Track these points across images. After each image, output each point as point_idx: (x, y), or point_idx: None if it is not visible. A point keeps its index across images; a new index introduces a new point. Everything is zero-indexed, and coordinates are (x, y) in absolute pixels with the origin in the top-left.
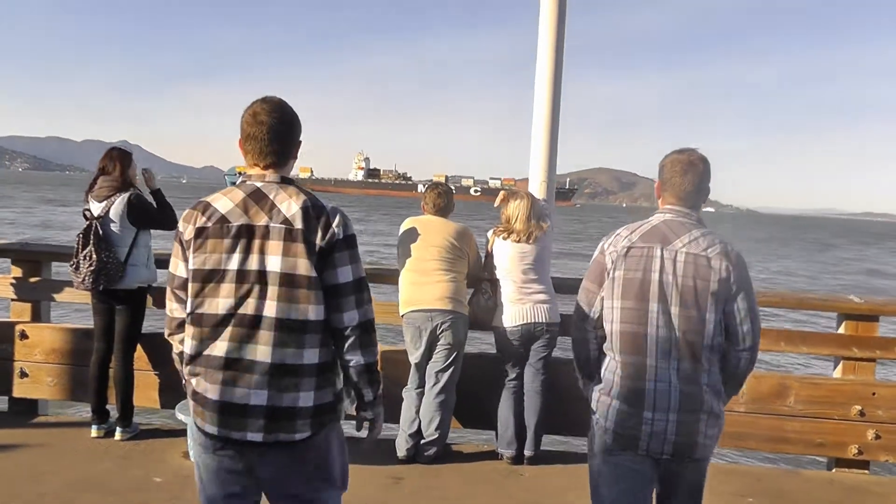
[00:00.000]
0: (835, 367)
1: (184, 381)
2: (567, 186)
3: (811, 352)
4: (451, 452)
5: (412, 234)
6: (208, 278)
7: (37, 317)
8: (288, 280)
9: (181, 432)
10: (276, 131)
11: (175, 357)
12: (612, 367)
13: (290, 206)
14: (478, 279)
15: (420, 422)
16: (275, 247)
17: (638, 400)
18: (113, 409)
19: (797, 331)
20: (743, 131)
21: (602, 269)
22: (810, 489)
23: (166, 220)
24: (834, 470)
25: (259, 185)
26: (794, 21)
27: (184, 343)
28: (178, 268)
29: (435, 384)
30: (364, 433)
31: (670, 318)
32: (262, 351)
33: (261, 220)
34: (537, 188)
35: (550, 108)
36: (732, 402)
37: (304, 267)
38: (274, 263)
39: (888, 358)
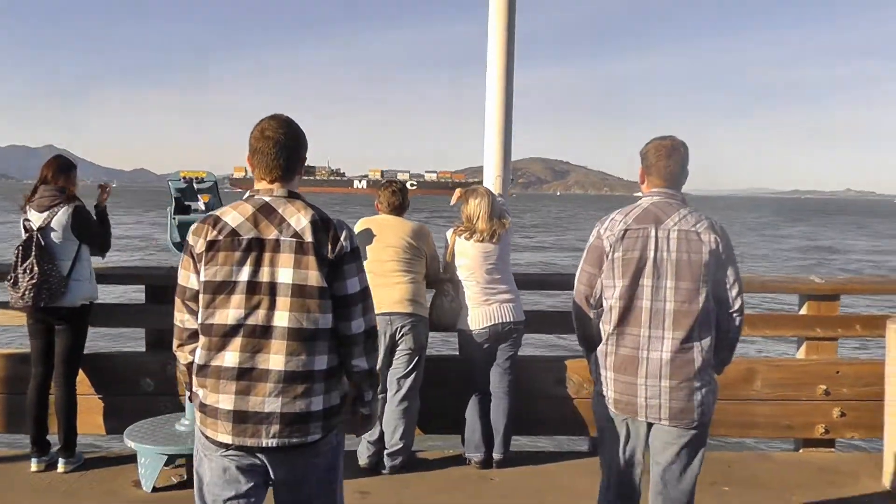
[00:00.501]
0: (798, 348)
1: (189, 394)
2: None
3: (775, 334)
4: (416, 461)
5: (367, 236)
6: (219, 290)
7: None
8: (299, 291)
9: (130, 459)
10: (282, 147)
11: (182, 369)
12: (610, 339)
13: (300, 220)
14: (438, 280)
15: (382, 430)
16: (286, 259)
17: (633, 369)
18: (54, 438)
19: (760, 314)
20: (671, 116)
21: (601, 252)
22: (781, 472)
23: (105, 241)
24: (801, 451)
25: (268, 199)
26: (717, 5)
27: (194, 353)
28: (189, 280)
29: (397, 391)
30: (360, 428)
31: (665, 291)
32: (274, 360)
33: (270, 233)
34: (492, 183)
35: (503, 103)
36: None
37: (314, 278)
38: (285, 275)
39: (850, 336)
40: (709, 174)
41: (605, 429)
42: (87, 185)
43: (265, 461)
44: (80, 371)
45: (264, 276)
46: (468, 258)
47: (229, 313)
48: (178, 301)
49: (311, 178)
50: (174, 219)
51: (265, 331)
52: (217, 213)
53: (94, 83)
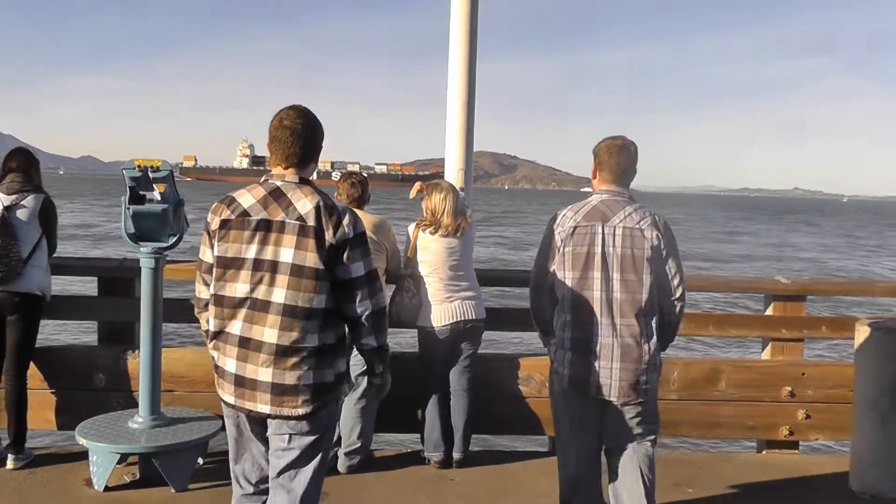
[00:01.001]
0: (763, 349)
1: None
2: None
3: (740, 334)
4: (374, 460)
5: None
6: (229, 265)
7: None
8: (297, 271)
9: (82, 456)
10: (299, 136)
11: (203, 333)
12: (563, 325)
13: (305, 204)
14: (399, 276)
15: (339, 429)
16: (288, 240)
17: (587, 351)
18: (3, 434)
19: (725, 314)
20: (621, 111)
21: (552, 246)
22: (745, 473)
23: (55, 241)
24: (764, 452)
25: (279, 183)
26: (669, 4)
27: (209, 321)
28: (205, 254)
29: (354, 389)
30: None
31: (612, 283)
32: (268, 333)
33: (278, 215)
34: (454, 177)
35: (466, 96)
36: (664, 391)
37: (312, 260)
38: (286, 255)
39: (816, 337)
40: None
41: (558, 403)
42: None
43: (262, 424)
44: (32, 365)
45: (268, 254)
46: (431, 254)
47: (237, 287)
48: (197, 273)
49: (263, 168)
50: (128, 209)
51: (265, 305)
52: (234, 194)
53: (41, 70)
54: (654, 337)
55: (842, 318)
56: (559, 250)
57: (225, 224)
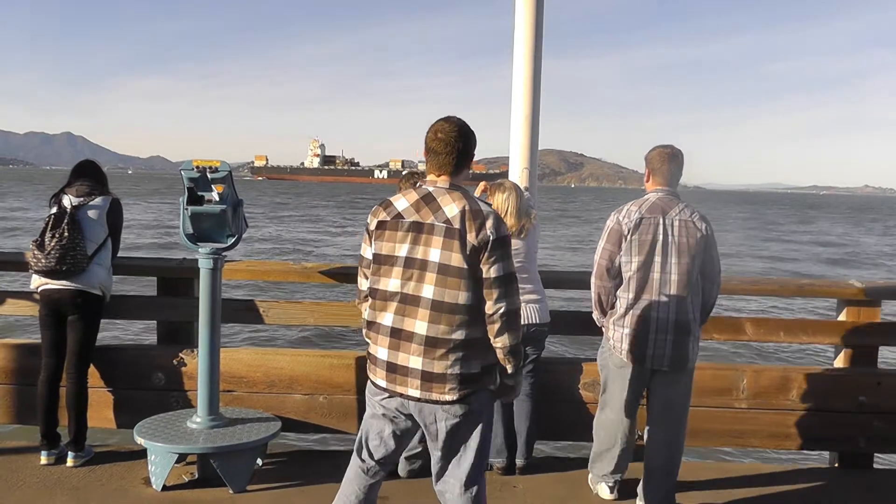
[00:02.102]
0: (836, 357)
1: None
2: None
3: (812, 341)
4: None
5: None
6: (384, 262)
7: None
8: (443, 269)
9: (140, 454)
10: (453, 147)
11: (363, 321)
12: (626, 304)
13: (452, 208)
14: None
15: None
16: (436, 241)
17: (645, 326)
18: (64, 431)
19: (796, 319)
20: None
21: (620, 234)
22: (817, 486)
23: (119, 243)
24: (837, 465)
25: (431, 189)
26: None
27: (365, 311)
28: (365, 251)
29: None
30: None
31: (669, 266)
32: (419, 325)
33: (428, 218)
34: (518, 176)
35: (531, 93)
36: (733, 399)
37: (456, 260)
38: (434, 255)
39: (891, 344)
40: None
41: (613, 374)
42: (106, 172)
43: (411, 409)
44: (92, 364)
45: (419, 253)
46: None
47: (390, 282)
48: (359, 268)
49: (333, 167)
50: (186, 209)
51: (415, 299)
52: (390, 198)
53: (111, 71)
54: (698, 314)
55: None
56: (626, 238)
57: (381, 225)
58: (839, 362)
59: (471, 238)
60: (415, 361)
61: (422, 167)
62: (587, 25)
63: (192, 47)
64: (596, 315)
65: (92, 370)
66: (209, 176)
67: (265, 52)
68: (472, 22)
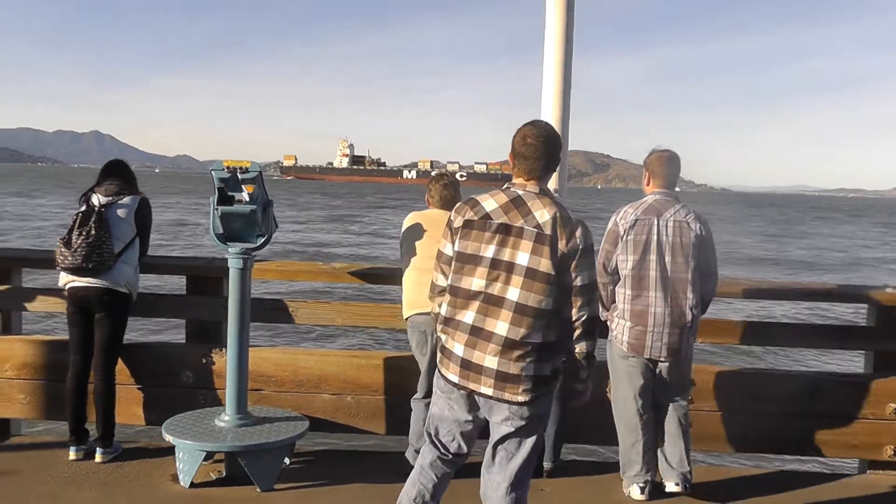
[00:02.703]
0: (866, 363)
1: (437, 334)
2: None
3: (841, 346)
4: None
5: (416, 231)
6: (469, 260)
7: (7, 328)
8: (531, 273)
9: (168, 451)
10: (542, 152)
11: (432, 316)
12: (625, 299)
13: (544, 214)
14: None
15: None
16: (526, 245)
17: (643, 320)
18: (92, 427)
19: (825, 324)
20: (708, 107)
21: (617, 235)
22: (847, 494)
23: (147, 245)
24: (868, 473)
25: (520, 192)
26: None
27: (441, 307)
28: (446, 247)
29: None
30: (576, 401)
31: (665, 264)
32: (500, 326)
33: (517, 221)
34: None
35: (561, 93)
36: (761, 403)
37: (545, 265)
38: (522, 258)
39: None
40: (748, 171)
41: (618, 365)
42: (134, 170)
43: (481, 405)
44: (120, 361)
45: (506, 255)
46: None
47: (473, 281)
48: (436, 262)
49: (362, 167)
50: (217, 209)
51: (499, 300)
52: (477, 197)
53: (139, 70)
54: (695, 308)
55: None
56: (622, 238)
57: (468, 224)
58: (869, 368)
59: (561, 245)
60: (490, 361)
61: (451, 168)
62: (613, 25)
63: (220, 46)
64: (601, 309)
65: (121, 367)
66: (239, 176)
67: (293, 51)
68: (500, 21)
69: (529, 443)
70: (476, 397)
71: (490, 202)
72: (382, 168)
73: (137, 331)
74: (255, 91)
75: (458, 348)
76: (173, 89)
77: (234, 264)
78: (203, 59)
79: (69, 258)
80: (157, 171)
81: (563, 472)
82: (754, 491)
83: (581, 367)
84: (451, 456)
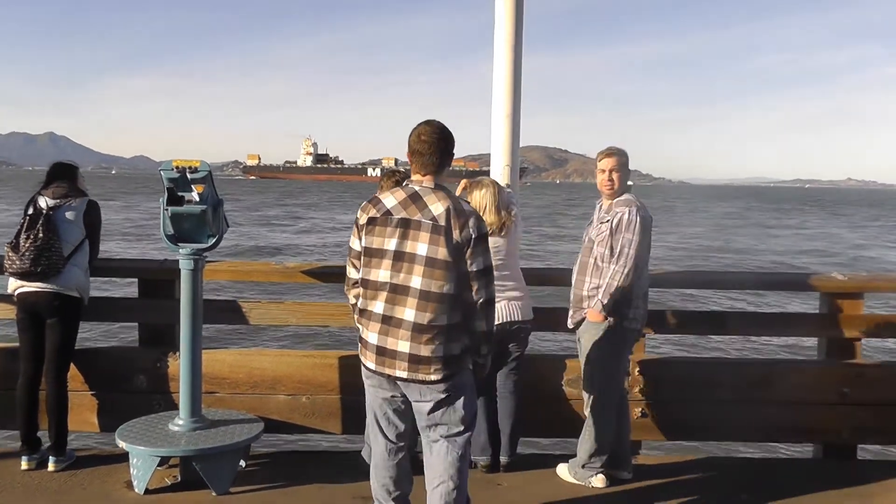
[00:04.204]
0: (819, 349)
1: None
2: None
3: (794, 334)
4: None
5: None
6: (374, 254)
7: None
8: (430, 262)
9: (123, 458)
10: (436, 149)
11: (351, 307)
12: (645, 294)
13: (438, 207)
14: None
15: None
16: (424, 237)
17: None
18: (44, 435)
19: (778, 313)
20: (666, 102)
21: (649, 234)
22: (801, 479)
23: (97, 248)
24: (822, 457)
25: (417, 188)
26: None
27: (357, 297)
28: (354, 243)
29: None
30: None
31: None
32: (408, 312)
33: (415, 215)
34: (500, 173)
35: (511, 90)
36: (718, 392)
37: (442, 254)
38: (422, 249)
39: (875, 337)
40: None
41: (627, 346)
42: (87, 173)
43: (400, 387)
44: (72, 367)
45: (407, 247)
46: None
47: (380, 273)
48: (347, 258)
49: (326, 165)
50: (167, 210)
51: (404, 289)
52: (379, 196)
53: (93, 71)
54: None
55: None
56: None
57: (372, 221)
58: (822, 355)
59: (455, 235)
60: (403, 346)
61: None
62: (571, 21)
63: (176, 45)
64: (614, 304)
65: (73, 373)
66: (189, 176)
67: (252, 49)
68: (461, 17)
69: (460, 403)
70: (394, 381)
71: (390, 199)
72: (348, 166)
73: (89, 335)
74: (214, 90)
75: (372, 337)
76: (130, 89)
77: (185, 265)
78: (161, 58)
79: (17, 262)
80: (113, 172)
81: (519, 466)
82: (708, 477)
83: (482, 343)
84: (394, 443)
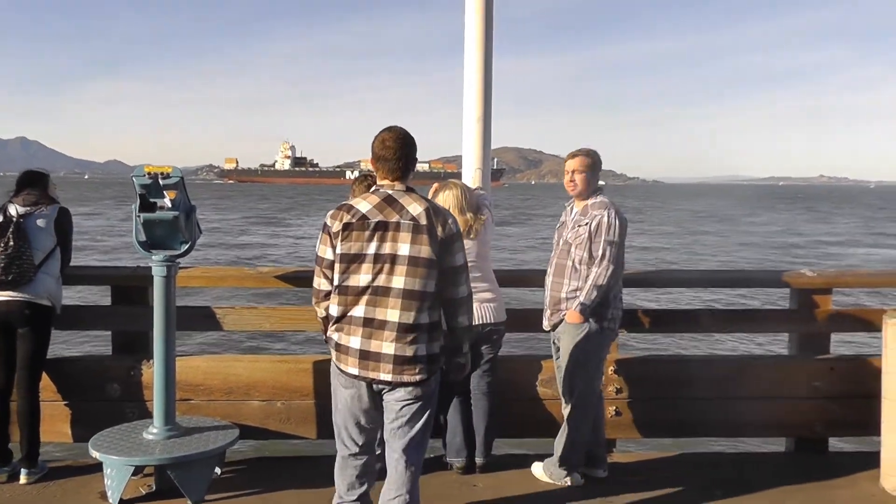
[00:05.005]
0: (790, 345)
1: (326, 337)
2: (495, 167)
3: (765, 330)
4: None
5: None
6: (353, 260)
7: None
8: (413, 261)
9: (96, 468)
10: (401, 154)
11: (320, 319)
12: (617, 296)
13: (416, 207)
14: None
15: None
16: (405, 237)
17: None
18: (16, 447)
19: (750, 309)
20: (640, 102)
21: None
22: (775, 473)
23: (69, 255)
24: (795, 451)
25: (390, 192)
26: None
27: (329, 308)
28: (326, 252)
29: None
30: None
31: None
32: (391, 313)
33: (393, 217)
34: (471, 176)
35: (482, 93)
36: (689, 389)
37: (426, 252)
38: (404, 249)
39: (844, 331)
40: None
41: (606, 346)
42: (59, 178)
43: (380, 391)
44: (44, 376)
45: (387, 249)
46: None
47: (360, 277)
48: (317, 269)
49: (304, 169)
50: (139, 217)
51: (386, 291)
52: (351, 202)
53: (66, 75)
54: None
55: (870, 311)
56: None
57: (347, 227)
58: (793, 350)
59: (439, 232)
60: (388, 347)
61: None
62: (544, 23)
63: (149, 49)
64: (596, 306)
65: (45, 383)
66: (161, 182)
67: (226, 53)
68: (438, 20)
69: (423, 419)
70: (374, 385)
71: (364, 204)
72: (326, 169)
73: (61, 344)
74: (189, 94)
75: (354, 341)
76: (103, 93)
77: (157, 272)
78: (134, 62)
79: None
80: (86, 177)
81: (495, 467)
82: (683, 473)
83: (463, 339)
84: (359, 450)
